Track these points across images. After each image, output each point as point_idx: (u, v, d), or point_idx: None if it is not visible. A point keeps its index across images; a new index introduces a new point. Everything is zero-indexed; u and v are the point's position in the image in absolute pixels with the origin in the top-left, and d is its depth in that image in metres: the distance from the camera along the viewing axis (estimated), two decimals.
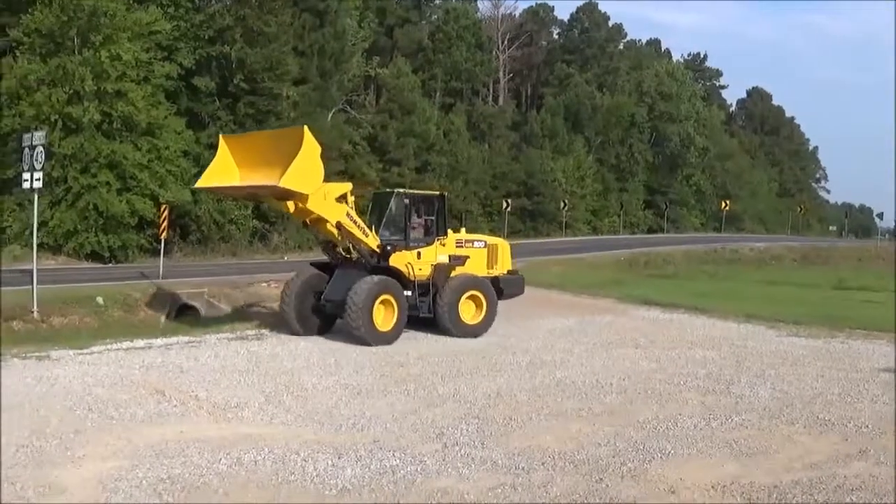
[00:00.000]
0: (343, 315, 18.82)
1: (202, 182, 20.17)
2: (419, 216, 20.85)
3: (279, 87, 45.49)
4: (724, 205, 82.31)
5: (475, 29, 75.71)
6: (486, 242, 22.41)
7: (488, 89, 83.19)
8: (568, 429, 11.78)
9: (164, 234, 30.15)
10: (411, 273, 19.96)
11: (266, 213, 44.09)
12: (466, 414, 12.50)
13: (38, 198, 24.10)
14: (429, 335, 20.18)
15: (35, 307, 21.45)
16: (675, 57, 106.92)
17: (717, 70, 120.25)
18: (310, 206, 18.41)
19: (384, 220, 20.36)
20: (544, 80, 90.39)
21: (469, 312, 20.60)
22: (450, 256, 20.90)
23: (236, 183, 19.08)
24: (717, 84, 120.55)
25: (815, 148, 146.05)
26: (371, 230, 19.58)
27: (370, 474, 9.66)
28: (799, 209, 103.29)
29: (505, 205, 62.85)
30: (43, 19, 35.47)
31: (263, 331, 20.47)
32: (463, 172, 63.32)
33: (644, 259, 48.83)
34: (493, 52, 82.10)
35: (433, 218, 20.97)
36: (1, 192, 35.64)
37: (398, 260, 19.81)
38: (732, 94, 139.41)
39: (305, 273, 20.52)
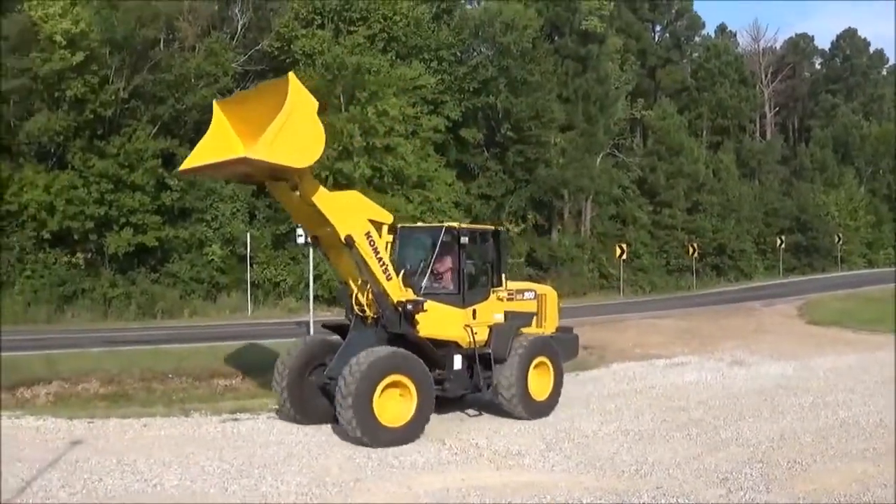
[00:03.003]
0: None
1: (188, 163, 12.87)
2: (472, 260, 14.55)
3: (546, 135, 42.97)
4: None
5: (737, 64, 68.98)
6: (535, 292, 15.91)
7: (755, 124, 76.10)
8: (853, 470, 10.97)
9: None
10: (471, 340, 13.91)
11: (539, 261, 41.69)
12: (750, 458, 11.65)
13: (313, 252, 22.98)
14: (705, 378, 18.70)
15: None
16: None
17: None
18: (309, 192, 12.30)
19: (428, 264, 14.03)
20: (810, 112, 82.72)
21: (535, 385, 14.46)
22: (505, 313, 14.68)
23: (210, 160, 12.31)
24: None
25: None
26: (397, 276, 13.29)
27: None
28: None
29: (779, 241, 57.73)
30: (307, 79, 34.00)
31: None
32: (734, 210, 57.42)
33: None
34: (757, 87, 75.20)
35: (487, 263, 14.75)
36: (275, 247, 35.31)
37: (450, 322, 13.81)
38: None
39: (310, 340, 14.60)
